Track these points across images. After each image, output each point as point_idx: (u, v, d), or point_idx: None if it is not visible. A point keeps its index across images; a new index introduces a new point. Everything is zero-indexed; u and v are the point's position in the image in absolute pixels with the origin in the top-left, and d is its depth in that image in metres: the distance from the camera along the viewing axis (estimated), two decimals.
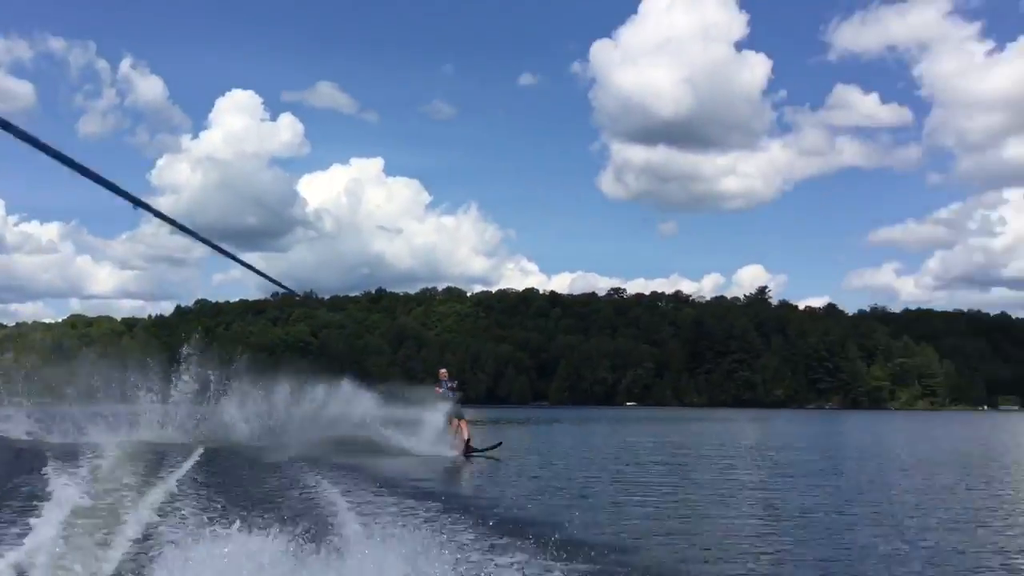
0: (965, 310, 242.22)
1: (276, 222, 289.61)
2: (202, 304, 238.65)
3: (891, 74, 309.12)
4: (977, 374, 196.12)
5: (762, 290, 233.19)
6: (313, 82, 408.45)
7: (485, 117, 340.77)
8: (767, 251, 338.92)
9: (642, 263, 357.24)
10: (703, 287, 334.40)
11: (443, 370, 26.93)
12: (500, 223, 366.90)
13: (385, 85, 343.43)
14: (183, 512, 12.78)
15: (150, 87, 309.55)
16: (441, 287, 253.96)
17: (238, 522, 8.79)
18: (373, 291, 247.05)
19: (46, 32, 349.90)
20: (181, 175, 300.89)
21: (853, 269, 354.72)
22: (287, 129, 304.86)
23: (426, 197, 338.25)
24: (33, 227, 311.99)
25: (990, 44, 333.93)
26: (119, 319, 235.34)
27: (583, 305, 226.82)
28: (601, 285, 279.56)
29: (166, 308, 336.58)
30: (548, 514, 14.00)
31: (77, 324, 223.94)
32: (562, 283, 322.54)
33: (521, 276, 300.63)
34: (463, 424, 24.96)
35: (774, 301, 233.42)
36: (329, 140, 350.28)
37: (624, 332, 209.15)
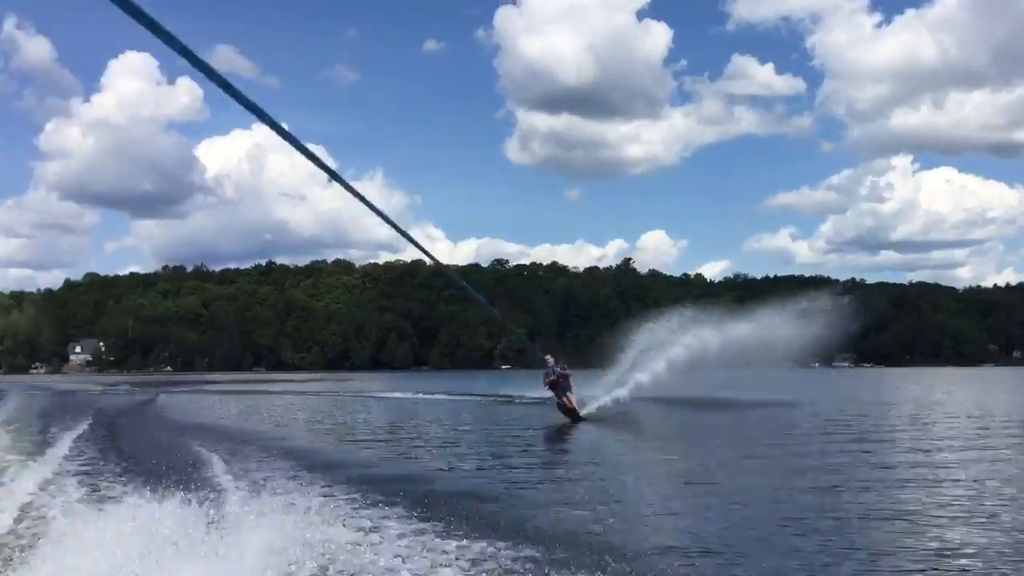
0: (857, 278, 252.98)
1: (173, 188, 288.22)
2: (92, 277, 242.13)
3: (786, 45, 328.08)
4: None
5: (627, 261, 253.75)
6: (212, 45, 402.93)
7: (390, 83, 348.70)
8: (670, 217, 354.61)
9: (548, 229, 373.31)
10: (607, 252, 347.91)
11: (548, 356, 28.78)
12: (406, 189, 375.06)
13: (287, 49, 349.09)
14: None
15: (37, 48, 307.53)
16: (336, 257, 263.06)
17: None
18: (264, 263, 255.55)
19: None
20: (71, 140, 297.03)
21: (752, 234, 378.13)
22: (185, 93, 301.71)
23: (331, 163, 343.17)
24: None
25: (878, 17, 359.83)
26: (7, 293, 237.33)
27: (464, 276, 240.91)
28: (508, 251, 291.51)
29: (56, 277, 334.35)
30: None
31: None
32: (468, 249, 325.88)
33: (428, 243, 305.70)
34: (571, 397, 28.11)
35: (642, 271, 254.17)
36: (230, 105, 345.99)
37: (503, 301, 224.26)
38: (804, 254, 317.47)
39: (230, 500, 10.59)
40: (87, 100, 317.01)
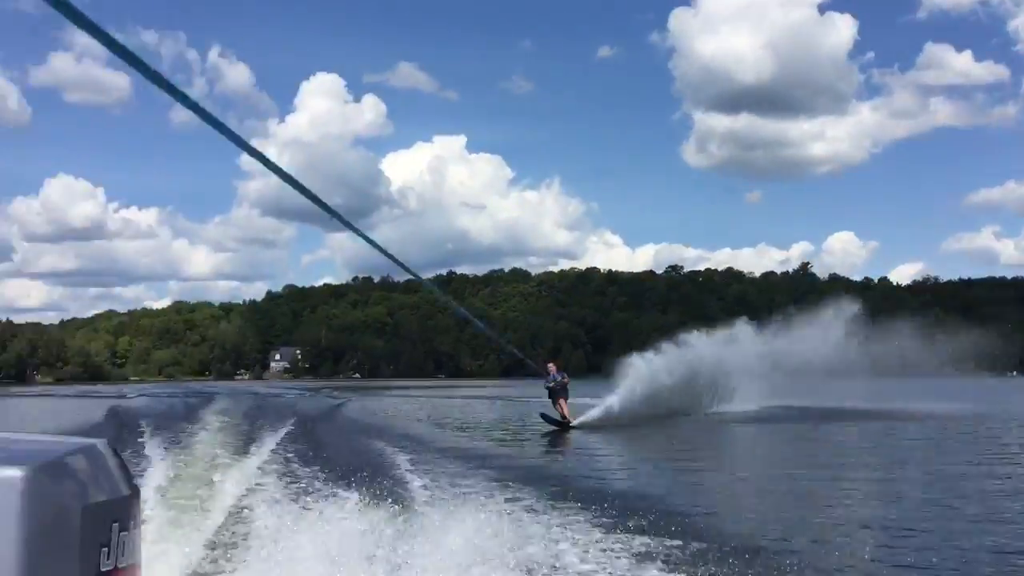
0: None
1: (361, 201, 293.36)
2: (290, 289, 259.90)
3: (985, 30, 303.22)
4: None
5: (804, 265, 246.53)
6: (394, 63, 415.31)
7: (565, 91, 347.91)
8: (859, 217, 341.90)
9: (728, 233, 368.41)
10: (791, 256, 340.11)
11: (551, 365, 30.58)
12: (583, 196, 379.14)
13: (465, 63, 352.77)
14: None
15: (237, 74, 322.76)
16: (515, 265, 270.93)
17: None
18: (445, 273, 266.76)
19: (138, 25, 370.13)
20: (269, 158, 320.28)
21: (951, 233, 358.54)
22: (370, 110, 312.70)
23: (508, 173, 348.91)
24: (132, 213, 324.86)
25: None
26: (217, 304, 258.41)
27: (638, 283, 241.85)
28: (686, 256, 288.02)
29: (259, 289, 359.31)
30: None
31: (181, 310, 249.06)
32: (646, 255, 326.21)
33: (605, 249, 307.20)
34: (564, 405, 29.62)
35: (824, 275, 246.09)
36: (412, 119, 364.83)
37: (674, 308, 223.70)
38: (1009, 253, 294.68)
39: (426, 502, 10.76)
40: (282, 120, 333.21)
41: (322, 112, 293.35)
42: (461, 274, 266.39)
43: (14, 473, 2.29)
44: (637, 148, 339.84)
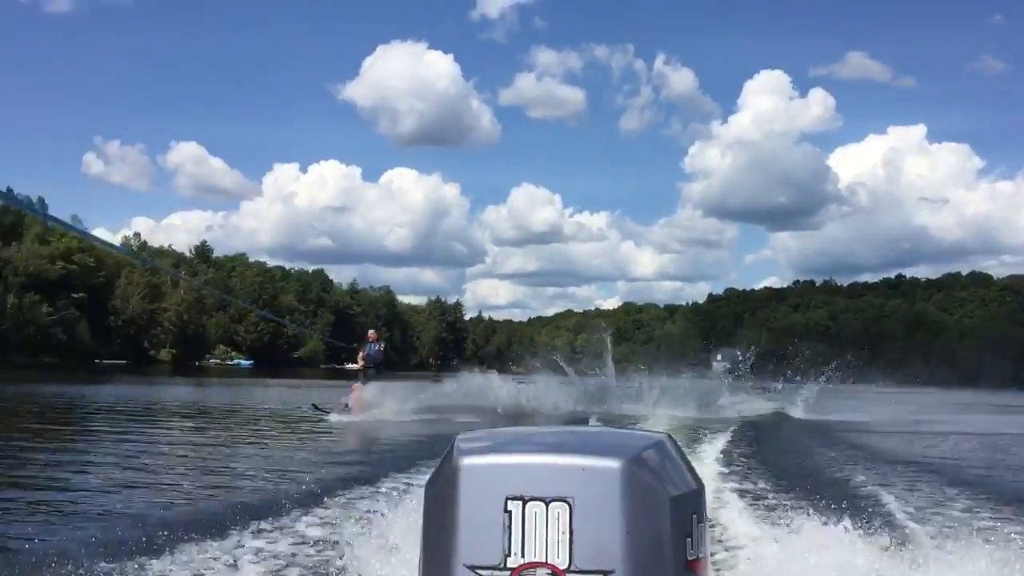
0: None
1: (807, 199, 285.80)
2: (730, 292, 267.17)
3: None
4: None
5: None
6: (842, 53, 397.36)
7: None
8: None
9: None
10: None
11: (371, 331, 26.95)
12: None
13: (922, 47, 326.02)
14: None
15: (681, 80, 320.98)
16: (984, 265, 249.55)
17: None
18: (893, 276, 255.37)
19: (591, 42, 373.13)
20: (712, 160, 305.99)
21: None
22: (817, 104, 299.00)
23: (977, 163, 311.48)
24: (585, 217, 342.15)
25: None
26: (662, 306, 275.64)
27: None
28: None
29: (701, 289, 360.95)
30: None
31: (630, 310, 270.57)
32: None
33: None
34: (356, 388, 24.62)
35: None
36: (863, 111, 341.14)
37: None
38: None
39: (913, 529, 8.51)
40: (725, 122, 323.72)
41: (766, 110, 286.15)
42: (912, 277, 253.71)
43: (614, 464, 2.50)
44: None
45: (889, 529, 8.06)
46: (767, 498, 10.82)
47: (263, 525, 7.93)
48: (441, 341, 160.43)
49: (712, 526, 8.03)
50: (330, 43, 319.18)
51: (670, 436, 2.93)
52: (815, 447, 19.71)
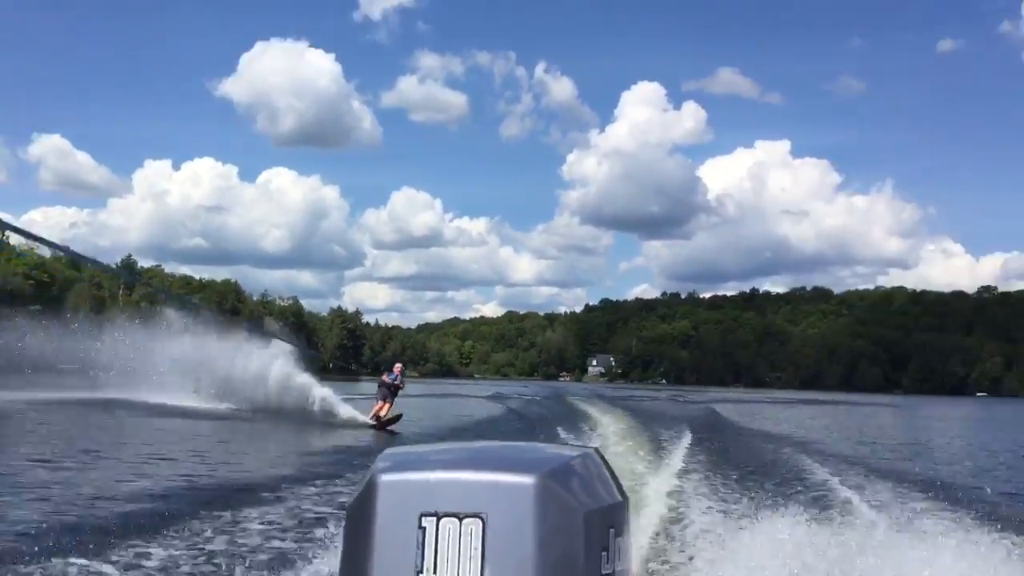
0: None
1: (678, 209, 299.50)
2: (605, 302, 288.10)
3: None
4: None
5: None
6: (714, 69, 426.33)
7: (900, 89, 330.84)
8: None
9: None
10: None
11: (399, 365, 29.59)
12: (919, 201, 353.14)
13: (788, 66, 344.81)
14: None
15: (561, 88, 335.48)
16: (839, 276, 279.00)
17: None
18: (748, 291, 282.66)
19: (473, 48, 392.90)
20: (589, 168, 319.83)
21: None
22: (690, 117, 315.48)
23: (835, 178, 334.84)
24: (465, 222, 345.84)
25: None
26: (543, 314, 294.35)
27: (943, 304, 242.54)
28: None
29: (578, 295, 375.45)
30: None
31: (512, 319, 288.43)
32: (993, 265, 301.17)
33: (943, 258, 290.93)
34: (385, 406, 27.73)
35: None
36: (732, 125, 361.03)
37: (979, 329, 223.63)
38: None
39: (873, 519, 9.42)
40: (602, 131, 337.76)
41: (642, 121, 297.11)
42: (764, 291, 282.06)
43: (527, 480, 2.44)
44: (983, 147, 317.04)
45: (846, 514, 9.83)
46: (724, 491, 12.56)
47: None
48: (343, 347, 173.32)
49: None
50: (207, 37, 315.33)
51: (596, 450, 2.92)
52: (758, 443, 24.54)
